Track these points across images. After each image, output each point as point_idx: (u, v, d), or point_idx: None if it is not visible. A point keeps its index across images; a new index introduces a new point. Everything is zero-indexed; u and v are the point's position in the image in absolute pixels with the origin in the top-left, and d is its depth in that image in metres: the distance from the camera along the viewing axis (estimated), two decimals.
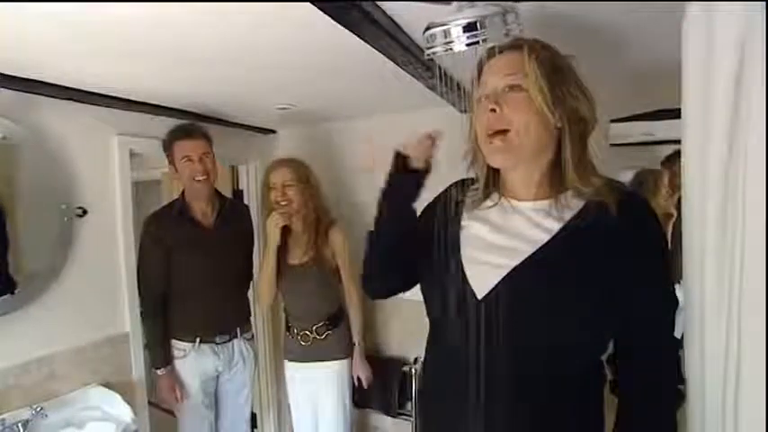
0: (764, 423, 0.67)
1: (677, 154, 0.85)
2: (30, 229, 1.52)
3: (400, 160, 0.97)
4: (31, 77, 1.40)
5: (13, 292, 1.46)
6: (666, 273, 0.83)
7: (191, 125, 1.87)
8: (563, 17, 1.07)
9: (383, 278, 1.07)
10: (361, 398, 2.37)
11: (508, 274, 0.80)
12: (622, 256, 0.77)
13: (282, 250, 1.97)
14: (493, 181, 0.90)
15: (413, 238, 0.96)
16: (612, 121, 1.72)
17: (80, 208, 1.67)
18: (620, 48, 1.32)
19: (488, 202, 0.89)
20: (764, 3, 0.65)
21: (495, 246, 0.84)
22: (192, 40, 1.17)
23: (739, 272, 0.68)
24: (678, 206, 0.89)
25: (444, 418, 0.89)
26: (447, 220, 0.92)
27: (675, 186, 1.58)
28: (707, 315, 0.74)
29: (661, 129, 1.63)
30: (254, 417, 2.53)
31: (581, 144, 0.81)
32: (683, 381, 0.83)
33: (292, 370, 2.05)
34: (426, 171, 0.98)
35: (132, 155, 1.89)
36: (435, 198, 1.01)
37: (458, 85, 1.63)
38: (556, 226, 0.80)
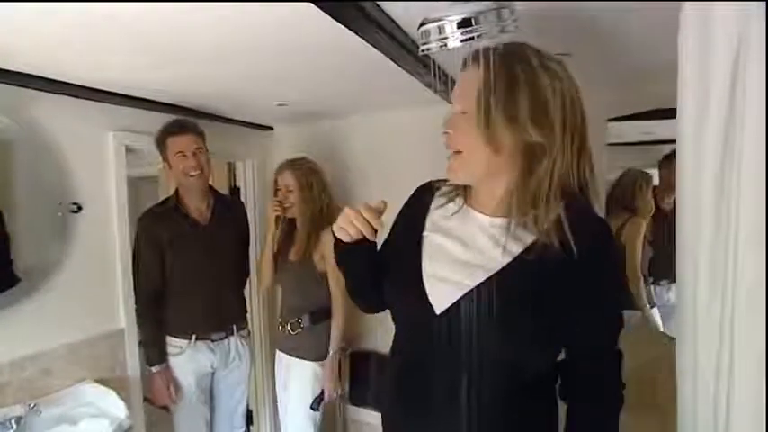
0: (762, 419, 0.67)
1: (674, 153, 0.85)
2: (24, 225, 1.51)
3: (338, 242, 0.93)
4: (25, 71, 1.39)
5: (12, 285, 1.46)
6: (618, 294, 0.89)
7: (184, 120, 1.85)
8: (562, 15, 1.06)
9: (363, 300, 1.08)
10: (357, 395, 2.38)
11: (466, 294, 0.81)
12: (578, 281, 0.78)
13: (286, 244, 2.03)
14: (462, 187, 0.90)
15: (381, 265, 0.97)
16: (610, 120, 1.72)
17: (75, 204, 1.66)
18: (620, 46, 1.32)
19: (452, 206, 0.90)
20: (764, 3, 0.65)
21: (456, 261, 0.84)
22: (190, 36, 1.16)
23: (733, 271, 0.68)
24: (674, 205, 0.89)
25: (403, 421, 0.92)
26: (410, 231, 0.93)
27: (672, 186, 1.58)
28: (699, 314, 0.74)
29: (660, 128, 1.63)
30: (249, 413, 2.53)
31: (528, 173, 0.78)
32: (623, 386, 0.87)
33: (278, 359, 2.09)
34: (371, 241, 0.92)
35: (130, 151, 1.88)
36: (403, 206, 1.02)
37: (453, 81, 1.62)
38: (515, 248, 0.80)
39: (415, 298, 0.86)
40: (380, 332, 2.42)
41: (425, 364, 0.86)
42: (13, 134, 1.48)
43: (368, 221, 0.85)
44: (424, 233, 0.91)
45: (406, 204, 1.02)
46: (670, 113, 0.85)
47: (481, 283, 0.80)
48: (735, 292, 0.69)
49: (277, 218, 2.00)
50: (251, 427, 2.62)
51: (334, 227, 0.90)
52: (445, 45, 0.84)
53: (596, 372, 0.86)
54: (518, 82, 0.76)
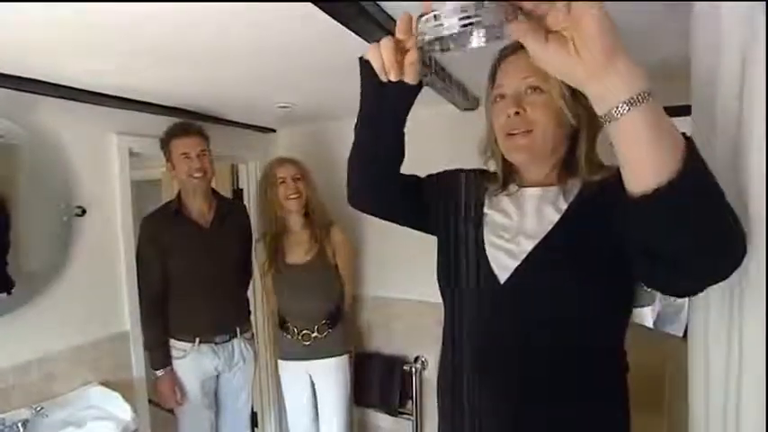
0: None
1: None
2: (29, 229, 1.52)
3: (367, 68, 0.76)
4: (30, 77, 1.40)
5: (9, 292, 1.46)
6: None
7: (189, 123, 1.87)
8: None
9: (359, 190, 1.00)
10: (362, 397, 2.38)
11: (526, 257, 0.83)
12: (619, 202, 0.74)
13: (280, 250, 1.97)
14: (509, 173, 0.93)
15: (398, 160, 0.94)
16: None
17: (79, 207, 1.67)
18: (633, 45, 1.31)
19: (506, 192, 0.93)
20: (764, 3, 0.64)
21: (512, 230, 0.88)
22: (192, 39, 1.16)
23: (745, 265, 0.67)
24: None
25: (466, 392, 0.91)
26: (470, 201, 0.96)
27: None
28: (711, 313, 0.74)
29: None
30: (254, 416, 2.53)
31: (593, 141, 0.84)
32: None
33: (291, 370, 2.04)
34: (417, 86, 0.80)
35: (132, 154, 1.89)
36: (457, 170, 1.03)
37: (453, 80, 1.62)
38: (564, 206, 0.85)
39: (478, 269, 0.88)
40: (374, 332, 2.43)
41: (490, 334, 0.87)
42: (17, 138, 1.49)
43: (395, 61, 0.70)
44: (485, 210, 0.93)
45: (458, 171, 1.02)
46: (678, 111, 0.84)
47: (538, 245, 0.83)
48: (743, 289, 0.68)
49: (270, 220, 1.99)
50: (256, 430, 2.62)
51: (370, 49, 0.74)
52: (442, 25, 0.81)
53: None
54: None
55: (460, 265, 0.93)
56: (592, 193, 0.82)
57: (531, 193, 0.89)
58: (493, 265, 0.87)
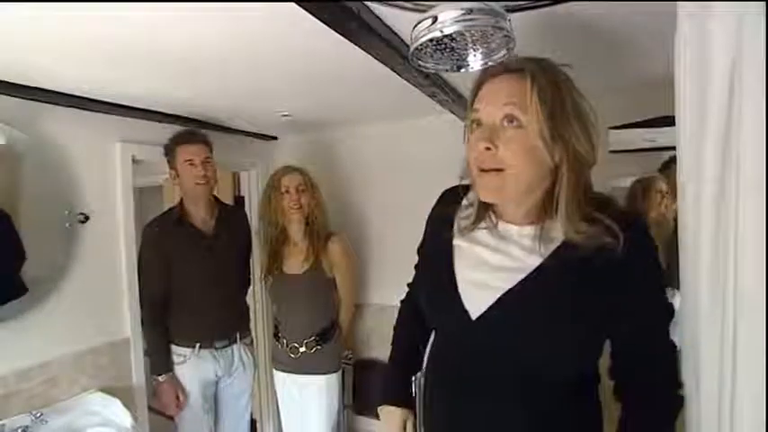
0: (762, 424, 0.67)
1: (673, 160, 0.86)
2: (32, 235, 1.53)
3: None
4: (35, 86, 1.42)
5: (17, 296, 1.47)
6: (661, 284, 0.81)
7: (194, 130, 1.90)
8: (569, 22, 1.08)
9: None
10: (361, 405, 2.37)
11: (501, 297, 0.80)
12: (617, 280, 0.76)
13: (278, 259, 1.98)
14: (485, 206, 0.87)
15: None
16: (612, 127, 1.73)
17: (82, 214, 1.68)
18: (625, 55, 1.33)
19: (482, 225, 0.88)
20: (764, 3, 0.65)
21: (488, 266, 0.84)
22: (195, 48, 1.18)
23: (733, 277, 0.68)
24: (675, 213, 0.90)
25: (443, 421, 0.91)
26: (441, 240, 0.92)
27: (672, 192, 1.58)
28: (701, 321, 0.75)
29: (662, 135, 1.64)
30: (253, 423, 2.52)
31: (576, 184, 0.76)
32: (680, 385, 0.82)
33: (281, 380, 2.04)
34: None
35: (134, 161, 1.90)
36: (433, 210, 1.01)
37: (453, 90, 1.64)
38: (546, 250, 0.79)
39: (451, 305, 0.85)
40: (375, 340, 2.43)
41: (463, 369, 0.86)
42: (21, 146, 1.50)
43: None
44: (455, 241, 0.89)
45: (434, 209, 1.01)
46: (671, 121, 0.85)
47: (515, 286, 0.79)
48: (736, 299, 0.69)
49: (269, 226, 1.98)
50: None
51: None
52: (440, 30, 0.81)
53: (647, 370, 0.81)
54: (565, 89, 0.75)
55: (435, 296, 0.93)
56: (579, 256, 0.75)
57: (510, 230, 0.84)
58: (465, 301, 0.84)
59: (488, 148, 0.74)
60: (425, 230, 1.02)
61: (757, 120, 0.66)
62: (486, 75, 0.80)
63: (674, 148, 0.82)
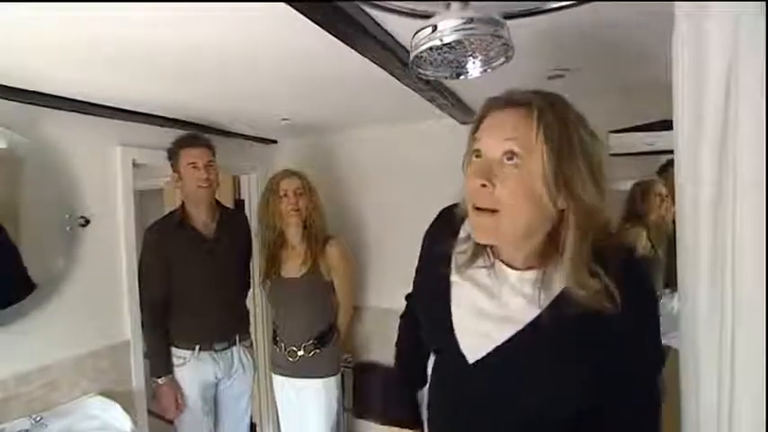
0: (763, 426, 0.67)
1: (670, 163, 0.86)
2: (32, 239, 1.53)
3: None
4: (36, 90, 1.42)
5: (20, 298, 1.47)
6: (657, 333, 0.78)
7: (197, 134, 1.92)
8: (569, 26, 1.08)
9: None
10: (361, 408, 2.37)
11: (498, 347, 0.78)
12: (616, 332, 0.72)
13: (276, 262, 1.98)
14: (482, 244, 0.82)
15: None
16: (613, 131, 1.74)
17: (83, 217, 1.69)
18: (626, 59, 1.33)
19: (479, 262, 0.82)
20: (763, 3, 0.65)
21: (485, 313, 0.81)
22: (195, 50, 1.19)
23: (731, 280, 0.68)
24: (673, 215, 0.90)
25: None
26: (437, 272, 0.87)
27: (671, 194, 1.59)
28: (699, 324, 0.75)
29: (662, 138, 1.65)
30: (253, 427, 2.52)
31: (584, 230, 0.70)
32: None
33: (279, 384, 2.04)
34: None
35: (135, 165, 1.91)
36: (428, 234, 0.97)
37: (453, 95, 1.64)
38: (546, 299, 0.75)
39: (449, 346, 0.84)
40: (374, 343, 2.43)
41: (459, 411, 0.86)
42: (22, 150, 1.51)
43: None
44: (452, 278, 0.85)
45: (431, 230, 0.96)
46: (670, 124, 0.85)
47: (513, 336, 0.77)
48: (734, 302, 0.69)
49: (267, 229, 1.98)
50: None
51: None
52: (440, 39, 0.81)
53: (637, 421, 0.79)
54: (572, 126, 0.70)
55: (432, 333, 0.92)
56: (585, 315, 0.70)
57: (508, 274, 0.79)
58: (461, 345, 0.82)
59: (484, 185, 0.70)
60: (422, 251, 0.98)
61: (754, 121, 0.66)
62: (491, 106, 0.75)
63: (672, 151, 0.82)
